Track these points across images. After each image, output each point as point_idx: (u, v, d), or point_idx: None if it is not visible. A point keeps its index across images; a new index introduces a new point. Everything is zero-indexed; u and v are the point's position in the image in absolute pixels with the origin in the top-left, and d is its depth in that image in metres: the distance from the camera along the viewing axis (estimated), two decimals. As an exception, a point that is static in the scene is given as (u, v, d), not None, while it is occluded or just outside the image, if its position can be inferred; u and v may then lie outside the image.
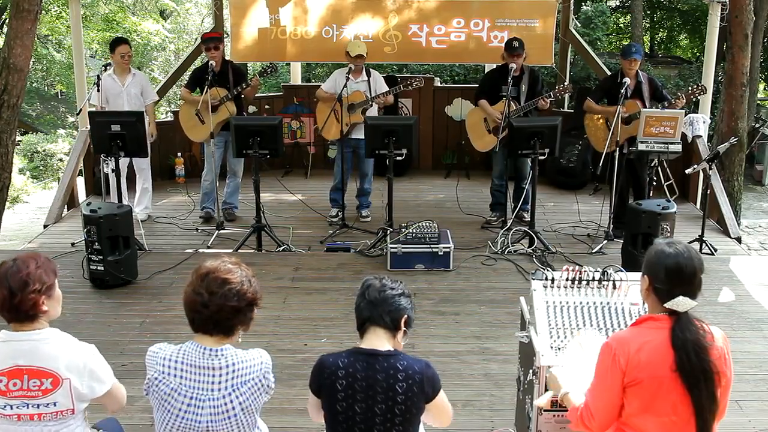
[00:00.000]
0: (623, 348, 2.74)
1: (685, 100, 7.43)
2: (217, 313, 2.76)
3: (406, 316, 2.97)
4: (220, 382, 2.79)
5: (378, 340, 2.92)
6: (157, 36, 23.49)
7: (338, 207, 8.42)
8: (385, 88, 8.23)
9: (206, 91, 7.64)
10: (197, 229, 8.11)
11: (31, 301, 2.82)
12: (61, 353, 2.87)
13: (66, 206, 8.77)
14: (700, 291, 2.79)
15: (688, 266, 2.76)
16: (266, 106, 10.67)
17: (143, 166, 8.29)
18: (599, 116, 7.78)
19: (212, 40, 7.96)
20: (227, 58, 8.71)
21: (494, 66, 8.41)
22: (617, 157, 7.38)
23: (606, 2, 23.44)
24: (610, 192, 7.53)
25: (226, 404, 2.78)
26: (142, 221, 7.95)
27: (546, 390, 3.31)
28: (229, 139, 7.95)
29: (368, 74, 8.17)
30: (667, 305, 2.73)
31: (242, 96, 8.06)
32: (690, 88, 7.72)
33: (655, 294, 2.79)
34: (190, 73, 9.21)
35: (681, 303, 2.72)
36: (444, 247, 6.85)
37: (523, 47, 7.74)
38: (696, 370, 2.66)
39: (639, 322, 2.86)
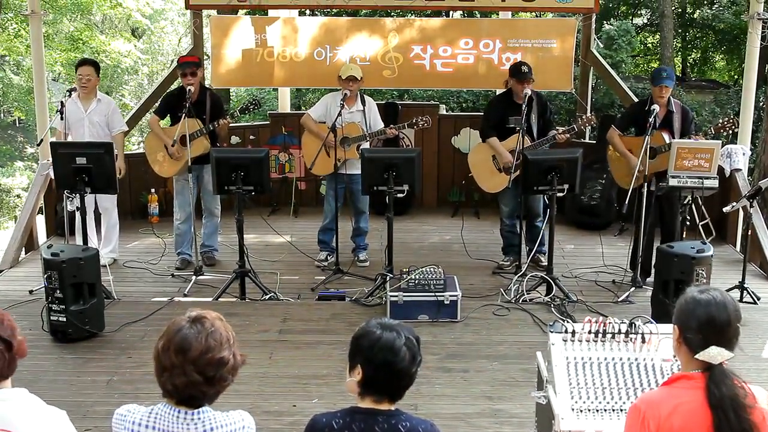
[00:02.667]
0: (653, 411, 2.75)
1: (704, 138, 7.43)
2: (215, 395, 2.82)
3: None
4: None
5: (380, 402, 2.94)
6: (129, 57, 23.71)
7: (327, 250, 8.44)
8: (380, 121, 8.28)
9: (183, 122, 7.68)
10: (172, 275, 8.13)
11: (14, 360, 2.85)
12: (28, 418, 2.84)
13: (24, 249, 8.80)
14: (737, 341, 2.80)
15: (721, 314, 2.78)
16: (251, 137, 10.74)
17: (107, 204, 8.31)
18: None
19: (189, 65, 8.01)
20: (207, 84, 8.75)
21: (497, 93, 8.40)
22: (645, 194, 7.39)
23: (631, 20, 23.73)
24: (641, 233, 7.54)
25: None
26: (107, 266, 7.93)
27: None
28: (202, 174, 8.00)
29: (363, 102, 8.18)
30: (699, 356, 2.75)
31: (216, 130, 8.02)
32: (721, 121, 7.72)
33: (686, 345, 2.82)
34: (160, 98, 9.24)
35: (714, 354, 2.74)
36: (450, 296, 6.86)
37: (531, 71, 7.81)
38: None
39: (671, 381, 2.87)
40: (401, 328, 2.95)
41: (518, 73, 7.84)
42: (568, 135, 7.80)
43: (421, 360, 2.94)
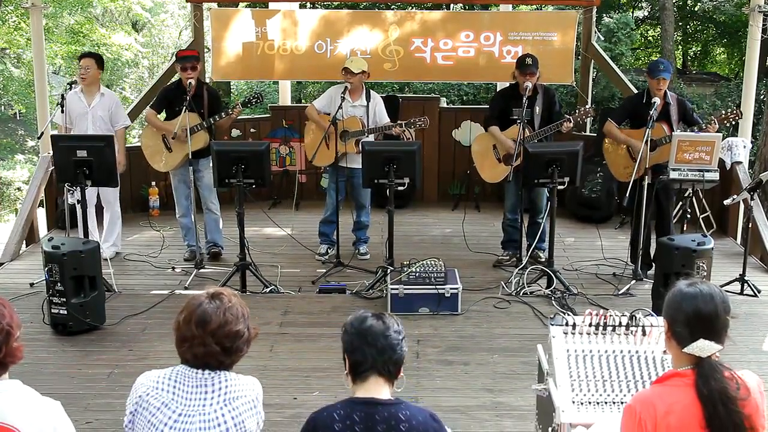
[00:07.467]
0: (649, 411, 2.73)
1: (717, 125, 7.43)
2: (231, 365, 3.04)
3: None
4: (212, 398, 2.97)
5: (377, 388, 2.96)
6: (130, 50, 23.67)
7: (328, 243, 8.44)
8: (386, 117, 8.25)
9: (184, 115, 7.65)
10: (173, 268, 8.13)
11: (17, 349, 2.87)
12: (22, 409, 2.85)
13: (25, 242, 8.80)
14: (726, 334, 2.79)
15: (708, 306, 2.77)
16: (252, 130, 10.74)
17: (110, 198, 8.32)
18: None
19: (190, 58, 7.97)
20: (207, 76, 8.73)
21: (506, 85, 8.42)
22: (645, 186, 7.39)
23: (632, 13, 23.69)
24: (641, 226, 7.54)
25: (217, 417, 2.95)
26: (109, 259, 7.93)
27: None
28: (198, 167, 7.96)
29: (368, 98, 8.13)
30: (687, 350, 2.74)
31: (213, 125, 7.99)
32: (724, 112, 7.71)
33: (674, 339, 2.81)
34: (158, 92, 9.20)
35: (702, 347, 2.73)
36: (451, 289, 6.87)
37: (537, 65, 7.79)
38: (726, 425, 2.66)
39: (662, 379, 2.86)
40: (388, 315, 3.08)
41: (521, 65, 7.83)
42: (571, 125, 7.77)
43: (401, 332, 3.01)
